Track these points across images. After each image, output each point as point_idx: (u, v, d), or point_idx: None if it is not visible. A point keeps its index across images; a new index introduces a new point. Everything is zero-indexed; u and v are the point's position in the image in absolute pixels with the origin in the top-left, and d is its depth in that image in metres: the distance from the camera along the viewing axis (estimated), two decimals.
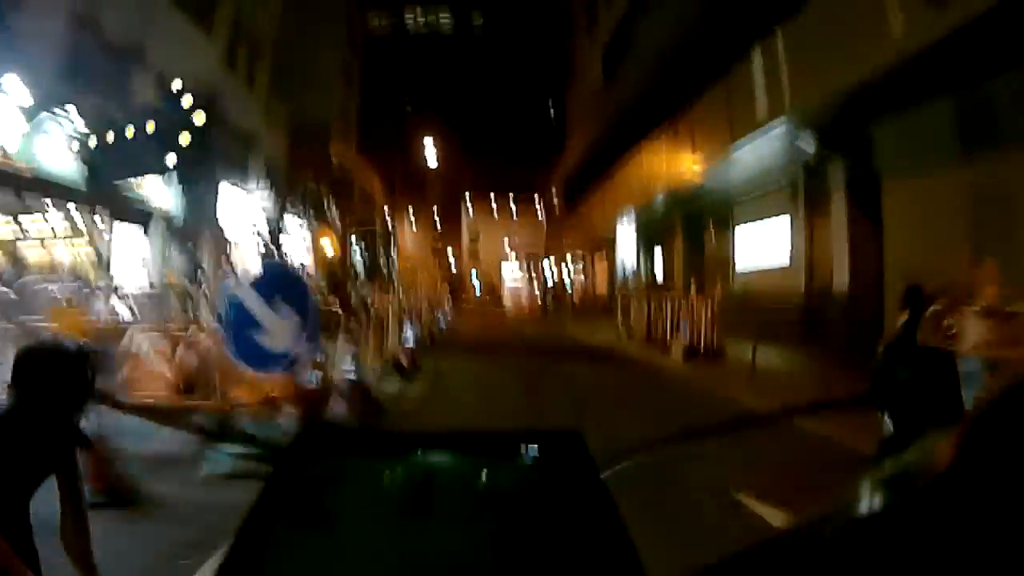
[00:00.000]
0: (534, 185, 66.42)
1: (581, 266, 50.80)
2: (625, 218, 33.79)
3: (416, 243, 75.18)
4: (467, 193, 70.75)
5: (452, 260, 70.66)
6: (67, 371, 0.82)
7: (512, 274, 74.85)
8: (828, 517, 0.35)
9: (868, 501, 0.35)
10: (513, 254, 73.61)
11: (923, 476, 0.34)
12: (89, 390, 0.83)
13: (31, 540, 0.75)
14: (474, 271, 71.44)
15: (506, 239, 72.61)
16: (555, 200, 56.90)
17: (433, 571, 0.40)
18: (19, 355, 0.83)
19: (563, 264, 57.25)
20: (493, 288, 70.92)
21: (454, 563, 0.40)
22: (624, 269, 36.24)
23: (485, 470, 0.49)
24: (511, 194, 70.30)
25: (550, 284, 56.08)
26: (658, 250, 31.90)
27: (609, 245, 39.13)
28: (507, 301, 56.10)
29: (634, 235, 33.73)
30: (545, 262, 64.34)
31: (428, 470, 0.50)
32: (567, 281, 55.12)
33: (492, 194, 70.69)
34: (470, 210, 72.60)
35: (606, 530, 0.40)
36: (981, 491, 0.30)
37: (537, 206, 70.60)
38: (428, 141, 50.70)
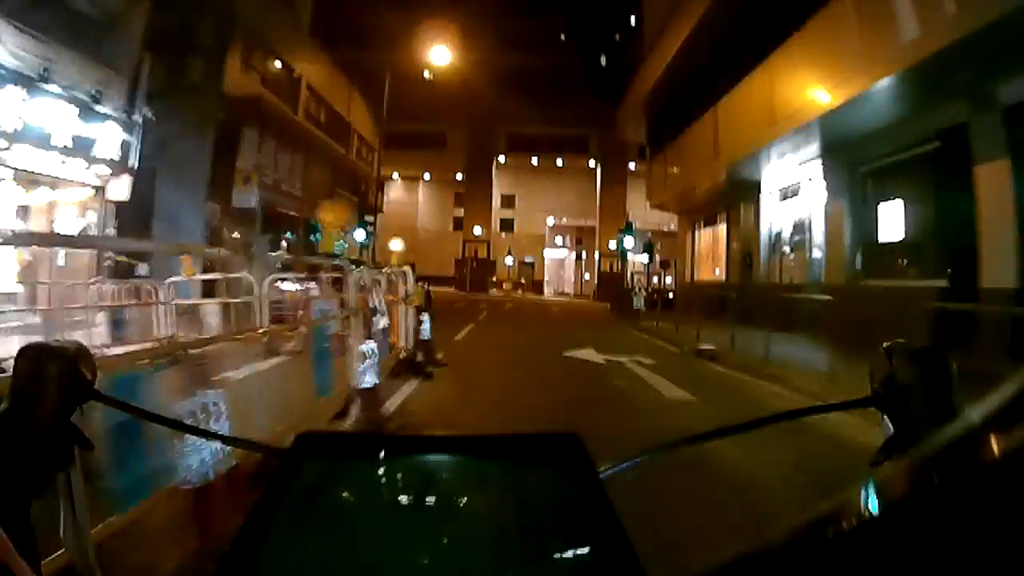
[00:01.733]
0: (595, 121, 49.88)
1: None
2: (780, 147, 17.36)
3: (429, 209, 59.17)
4: (500, 137, 54.44)
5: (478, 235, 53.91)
6: (67, 370, 0.83)
7: (558, 258, 59.06)
8: (828, 517, 0.36)
9: (869, 502, 0.36)
10: (559, 234, 57.48)
11: (924, 477, 0.35)
12: (89, 390, 0.85)
13: (32, 540, 0.76)
14: (509, 256, 54.68)
15: (552, 207, 56.42)
16: (630, 138, 40.26)
17: (433, 572, 0.44)
18: (18, 354, 0.85)
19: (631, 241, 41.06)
20: (531, 280, 55.07)
21: (453, 565, 0.44)
22: (780, 242, 19.97)
23: (484, 472, 0.57)
24: (561, 139, 53.50)
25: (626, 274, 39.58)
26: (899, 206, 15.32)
27: (740, 202, 22.65)
28: (553, 305, 39.32)
29: (809, 180, 17.27)
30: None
31: (427, 472, 0.57)
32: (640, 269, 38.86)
33: (534, 138, 53.96)
34: (502, 159, 56.39)
35: (605, 532, 0.45)
36: (983, 493, 0.31)
37: (590, 161, 53.76)
38: (440, 51, 34.24)
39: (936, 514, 0.32)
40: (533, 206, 56.83)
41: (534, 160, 54.61)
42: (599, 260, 51.54)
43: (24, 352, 0.84)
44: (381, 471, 0.63)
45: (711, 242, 28.00)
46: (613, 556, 0.52)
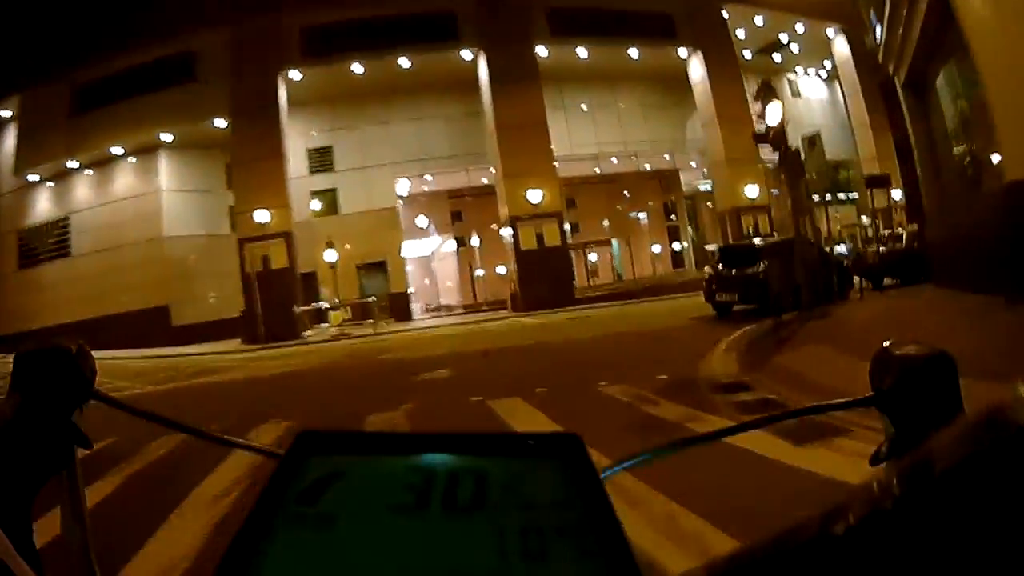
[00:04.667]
0: None
1: None
2: None
3: (182, 200, 33.68)
4: (290, 35, 28.81)
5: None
6: (67, 370, 0.90)
7: (427, 253, 35.60)
8: (827, 517, 0.40)
9: (869, 502, 0.39)
10: (421, 209, 33.43)
11: (925, 477, 0.37)
12: (89, 389, 0.90)
13: (32, 540, 0.82)
14: (329, 251, 29.36)
15: (404, 155, 32.61)
16: None
17: (432, 572, 0.53)
18: (18, 354, 0.89)
19: None
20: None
21: (453, 564, 0.52)
22: None
23: (484, 471, 0.61)
24: (403, 18, 29.07)
25: None
26: None
27: None
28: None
29: None
30: None
31: (428, 471, 0.62)
32: None
33: (352, 24, 29.27)
34: (296, 76, 29.32)
35: (604, 532, 0.54)
36: (983, 494, 0.33)
37: (462, 51, 30.09)
38: None
39: (937, 514, 0.34)
40: (369, 159, 32.30)
41: (357, 68, 29.89)
42: (514, 234, 27.72)
43: (24, 351, 0.87)
44: (382, 470, 0.63)
45: None
46: (612, 557, 0.54)
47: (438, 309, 34.10)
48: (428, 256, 35.53)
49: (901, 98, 15.44)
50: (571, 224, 33.23)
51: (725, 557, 0.43)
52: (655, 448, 0.77)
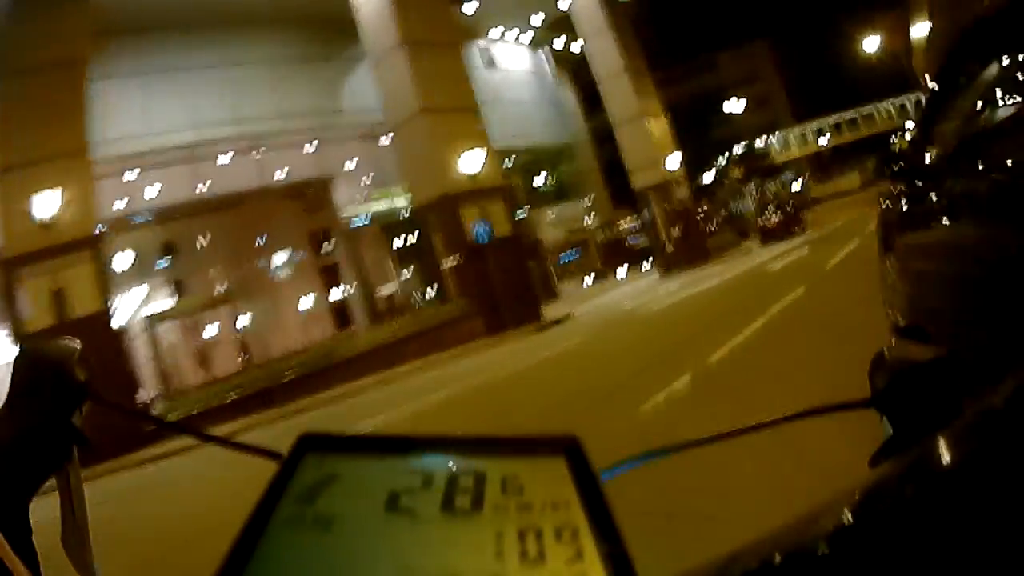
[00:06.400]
0: None
1: None
2: None
3: None
4: None
5: None
6: (66, 370, 0.91)
7: None
8: (826, 518, 0.40)
9: (868, 503, 0.40)
10: None
11: (924, 479, 0.38)
12: (88, 389, 0.91)
13: (31, 540, 0.84)
14: None
15: None
16: None
17: (430, 574, 0.54)
18: (18, 352, 0.89)
19: None
20: None
21: (451, 566, 0.54)
22: None
23: (483, 473, 0.61)
24: None
25: None
26: None
27: None
28: None
29: None
30: None
31: (427, 473, 0.58)
32: None
33: None
34: None
35: (602, 534, 0.55)
36: (982, 493, 0.34)
37: None
38: None
39: (935, 516, 0.35)
40: None
41: None
42: (10, 297, 13.45)
43: (24, 350, 0.88)
44: (381, 471, 0.59)
45: None
46: (610, 560, 0.49)
47: None
48: None
49: None
50: (174, 283, 20.35)
51: (722, 558, 0.42)
52: (655, 450, 0.75)
